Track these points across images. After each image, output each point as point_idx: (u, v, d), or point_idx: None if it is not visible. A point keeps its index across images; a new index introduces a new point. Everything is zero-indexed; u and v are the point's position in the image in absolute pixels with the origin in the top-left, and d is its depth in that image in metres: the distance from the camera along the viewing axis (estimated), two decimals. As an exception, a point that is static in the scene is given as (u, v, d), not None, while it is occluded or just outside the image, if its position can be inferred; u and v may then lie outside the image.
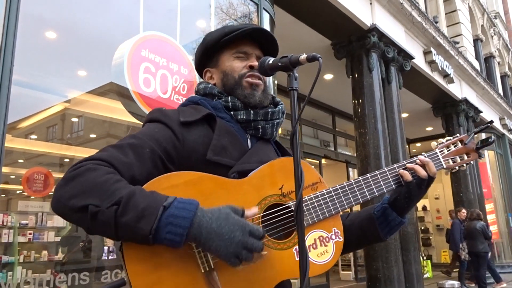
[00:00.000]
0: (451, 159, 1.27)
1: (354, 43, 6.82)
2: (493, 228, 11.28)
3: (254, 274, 0.96)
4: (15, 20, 2.47)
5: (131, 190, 0.91)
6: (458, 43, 10.71)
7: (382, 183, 1.18)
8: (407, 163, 1.21)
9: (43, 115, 4.80)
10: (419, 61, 8.38)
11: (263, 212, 1.05)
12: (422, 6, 8.94)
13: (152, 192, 0.93)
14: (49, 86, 4.07)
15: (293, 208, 1.07)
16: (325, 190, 1.13)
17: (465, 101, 10.51)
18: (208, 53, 1.28)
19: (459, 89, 10.52)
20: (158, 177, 0.99)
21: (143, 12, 3.68)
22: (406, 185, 1.18)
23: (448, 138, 1.31)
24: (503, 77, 17.19)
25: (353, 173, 10.82)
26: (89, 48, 3.88)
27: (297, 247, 1.03)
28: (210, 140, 1.10)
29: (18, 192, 5.10)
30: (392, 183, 1.19)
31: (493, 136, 1.31)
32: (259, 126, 1.20)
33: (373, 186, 1.17)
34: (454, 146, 1.28)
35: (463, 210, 9.08)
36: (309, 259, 1.05)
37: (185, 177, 1.00)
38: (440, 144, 1.29)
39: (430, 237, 14.21)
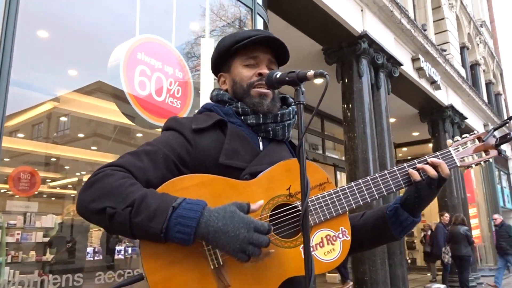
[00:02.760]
0: (468, 156, 1.24)
1: (345, 49, 6.93)
2: (476, 232, 11.53)
3: (262, 271, 1.01)
4: (14, 20, 2.46)
5: (143, 193, 0.99)
6: (445, 50, 10.93)
7: (391, 182, 1.19)
8: (418, 162, 1.21)
9: (30, 113, 4.76)
10: (407, 67, 8.55)
11: (271, 212, 1.10)
12: (411, 14, 9.12)
13: (163, 194, 1.01)
14: (39, 85, 4.04)
15: (299, 208, 1.11)
16: (332, 190, 1.16)
17: (451, 107, 10.73)
18: (222, 58, 1.33)
19: (445, 96, 10.74)
20: (172, 180, 1.06)
21: (139, 13, 3.69)
22: (415, 184, 1.19)
23: (465, 135, 1.28)
24: (488, 84, 17.59)
25: (341, 176, 10.94)
26: (81, 47, 3.87)
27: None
28: (222, 144, 1.16)
29: (2, 191, 5.04)
30: (401, 182, 1.19)
31: (511, 132, 1.26)
32: (269, 128, 1.24)
33: (382, 186, 1.18)
34: (472, 144, 1.26)
35: (446, 214, 9.27)
36: (316, 257, 1.10)
37: (197, 179, 1.07)
38: (455, 142, 1.27)
39: (415, 241, 14.44)
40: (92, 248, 4.73)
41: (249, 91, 1.25)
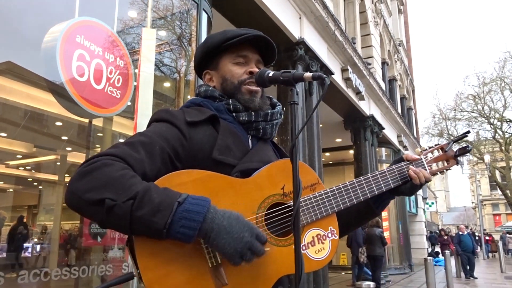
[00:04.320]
0: (433, 164, 1.38)
1: (282, 54, 7.10)
2: (386, 234, 12.48)
3: (257, 269, 1.02)
4: None
5: (146, 186, 0.95)
6: (370, 64, 11.72)
7: (374, 186, 1.28)
8: (397, 169, 1.32)
9: None
10: (337, 77, 9.01)
11: (266, 211, 1.11)
12: (342, 27, 9.62)
13: (165, 188, 0.97)
14: None
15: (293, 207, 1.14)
16: (323, 191, 1.21)
17: (372, 117, 11.53)
18: (209, 55, 1.31)
19: (367, 106, 11.51)
20: (169, 174, 1.02)
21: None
22: (412, 186, 1.31)
23: (430, 146, 1.43)
24: (402, 99, 19.21)
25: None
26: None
27: None
28: (214, 139, 1.15)
29: None
30: (383, 186, 1.29)
31: (470, 146, 1.41)
32: (260, 126, 1.26)
33: (366, 188, 1.27)
34: (436, 153, 1.39)
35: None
36: (308, 255, 1.13)
37: (194, 175, 1.05)
38: (424, 151, 1.40)
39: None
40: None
41: (240, 88, 1.25)
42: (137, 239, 0.95)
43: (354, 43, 10.03)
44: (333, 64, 8.75)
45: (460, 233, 13.13)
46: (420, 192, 21.15)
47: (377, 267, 8.74)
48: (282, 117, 1.34)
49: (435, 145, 1.43)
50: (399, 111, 16.74)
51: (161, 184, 0.99)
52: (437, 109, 27.10)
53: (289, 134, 6.85)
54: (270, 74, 1.12)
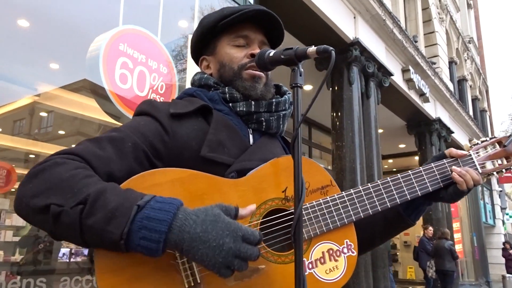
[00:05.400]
0: (488, 162, 1.12)
1: (336, 56, 6.81)
2: (458, 247, 11.50)
3: None
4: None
5: (101, 187, 0.78)
6: (435, 63, 10.95)
7: (405, 189, 1.04)
8: (436, 167, 1.07)
9: (9, 107, 4.55)
10: (397, 78, 8.49)
11: (263, 219, 0.91)
12: (402, 25, 9.09)
13: (127, 189, 0.79)
14: (18, 78, 3.83)
15: None
16: (337, 195, 0.98)
17: (439, 120, 10.73)
18: (205, 38, 1.14)
19: (433, 109, 10.74)
20: (141, 174, 0.85)
21: (123, 6, 3.50)
22: (456, 191, 1.07)
23: (484, 139, 1.17)
24: (474, 100, 17.79)
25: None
26: (64, 40, 3.67)
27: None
28: (205, 134, 0.97)
29: (-25, 187, 4.78)
30: (417, 189, 1.05)
31: None
32: (262, 118, 1.06)
33: (394, 192, 1.02)
34: (491, 149, 1.14)
35: (430, 228, 9.19)
36: (316, 276, 0.91)
37: (172, 174, 0.86)
38: (474, 145, 1.14)
39: (397, 253, 14.40)
40: (69, 250, 4.50)
41: (240, 73, 1.07)
42: (97, 251, 0.79)
43: (416, 42, 9.42)
44: (392, 64, 8.26)
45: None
46: (497, 201, 19.34)
47: (447, 283, 8.00)
48: (292, 107, 1.12)
49: (490, 138, 1.15)
50: (471, 113, 15.50)
51: (130, 184, 0.83)
52: (516, 111, 24.74)
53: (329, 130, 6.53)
54: (271, 54, 0.93)
